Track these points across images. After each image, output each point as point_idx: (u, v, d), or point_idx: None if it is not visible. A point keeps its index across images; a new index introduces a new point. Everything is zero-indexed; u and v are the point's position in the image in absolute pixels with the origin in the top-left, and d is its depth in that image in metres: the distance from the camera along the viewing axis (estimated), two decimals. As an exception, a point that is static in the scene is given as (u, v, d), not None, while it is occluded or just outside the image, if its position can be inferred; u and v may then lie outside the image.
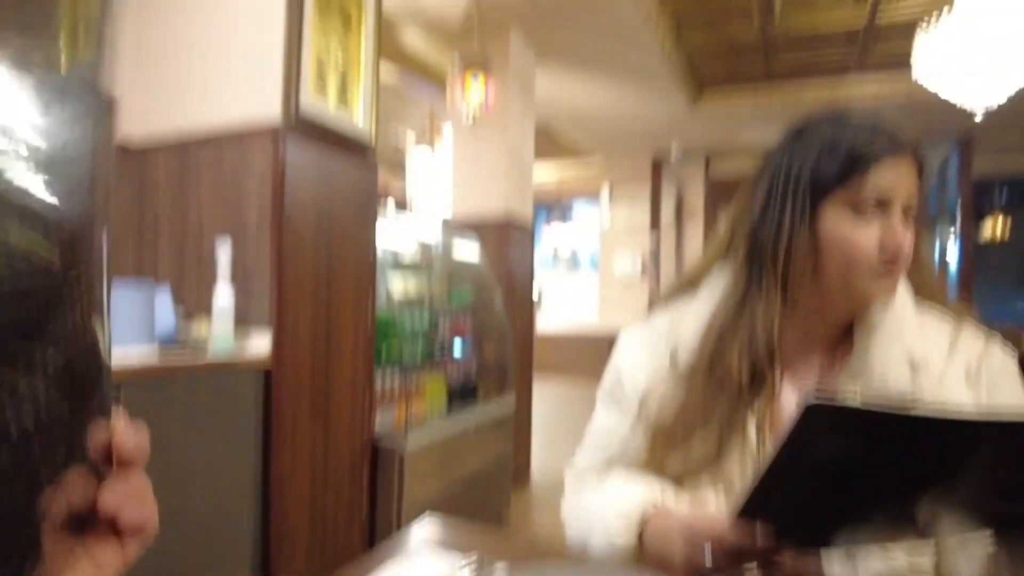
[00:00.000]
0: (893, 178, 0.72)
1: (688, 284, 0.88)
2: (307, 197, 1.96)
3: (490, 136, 3.78)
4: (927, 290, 0.80)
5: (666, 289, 0.94)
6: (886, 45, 4.60)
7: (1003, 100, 2.97)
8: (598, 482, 0.83)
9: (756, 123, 6.24)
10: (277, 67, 1.90)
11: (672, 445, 0.76)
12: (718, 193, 7.31)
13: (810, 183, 0.74)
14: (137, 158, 2.11)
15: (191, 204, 2.00)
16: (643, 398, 0.82)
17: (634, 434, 0.81)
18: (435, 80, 4.52)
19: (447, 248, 3.14)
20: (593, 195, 8.64)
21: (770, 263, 0.76)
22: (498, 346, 3.32)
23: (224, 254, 1.77)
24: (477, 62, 3.19)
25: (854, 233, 0.72)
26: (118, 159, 2.08)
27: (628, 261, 8.08)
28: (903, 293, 0.77)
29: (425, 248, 2.95)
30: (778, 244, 0.75)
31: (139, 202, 2.11)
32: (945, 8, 2.84)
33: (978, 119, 3.20)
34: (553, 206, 8.90)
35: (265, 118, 1.90)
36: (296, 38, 1.92)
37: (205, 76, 2.03)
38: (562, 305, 8.71)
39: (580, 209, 9.03)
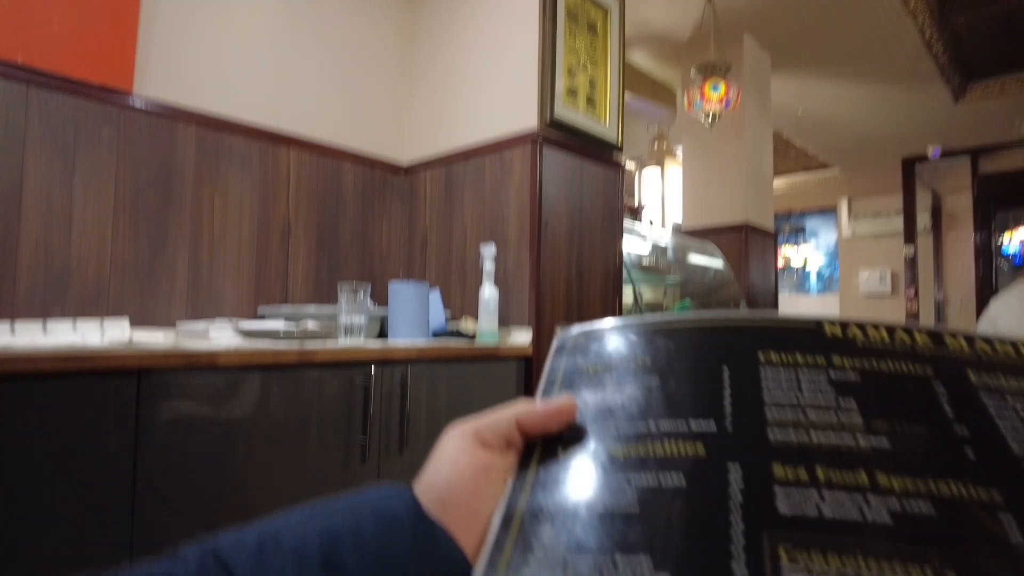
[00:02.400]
0: None
1: None
2: (560, 201, 2.02)
3: (726, 144, 3.64)
4: None
5: None
6: None
7: None
8: None
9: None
10: (533, 77, 2.00)
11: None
12: (992, 193, 6.24)
13: None
14: (408, 176, 2.35)
15: (455, 215, 2.17)
16: None
17: None
18: (661, 100, 4.49)
19: (683, 254, 3.05)
20: (827, 209, 7.94)
21: None
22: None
23: (489, 257, 1.88)
24: (717, 69, 3.10)
25: None
26: (391, 177, 2.34)
27: (875, 277, 7.26)
28: None
29: (662, 254, 2.89)
30: None
31: (410, 216, 2.34)
32: None
33: None
34: (781, 223, 8.31)
35: (522, 127, 2.01)
36: (550, 49, 2.02)
37: (467, 97, 2.21)
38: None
39: (813, 225, 8.33)
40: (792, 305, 7.96)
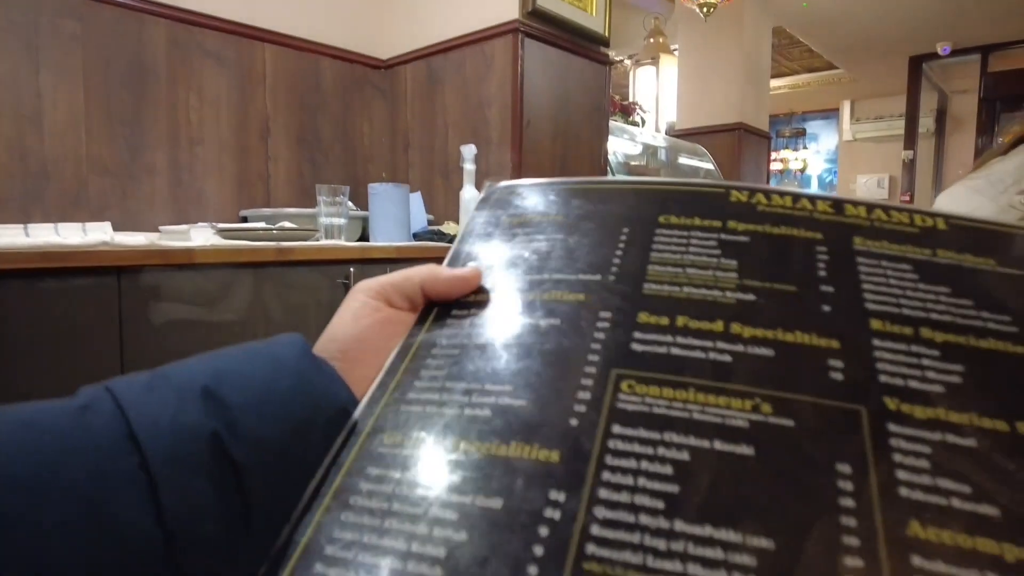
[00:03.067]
0: None
1: None
2: (544, 98, 1.97)
3: (724, 39, 3.50)
4: None
5: (1004, 139, 0.78)
6: None
7: None
8: None
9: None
10: (514, -34, 1.91)
11: None
12: (999, 93, 6.05)
13: None
14: (388, 72, 2.28)
15: (437, 113, 2.13)
16: None
17: None
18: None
19: (673, 156, 3.00)
20: (829, 112, 7.75)
21: None
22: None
23: (469, 158, 1.85)
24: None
25: None
26: (371, 74, 2.27)
27: (872, 183, 7.19)
28: None
29: (652, 155, 2.85)
30: None
31: (391, 114, 2.29)
32: None
33: None
34: (782, 126, 8.13)
35: (503, 18, 1.92)
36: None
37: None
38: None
39: (814, 128, 8.15)
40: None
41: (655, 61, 4.21)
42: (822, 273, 0.30)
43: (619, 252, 0.33)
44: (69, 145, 1.62)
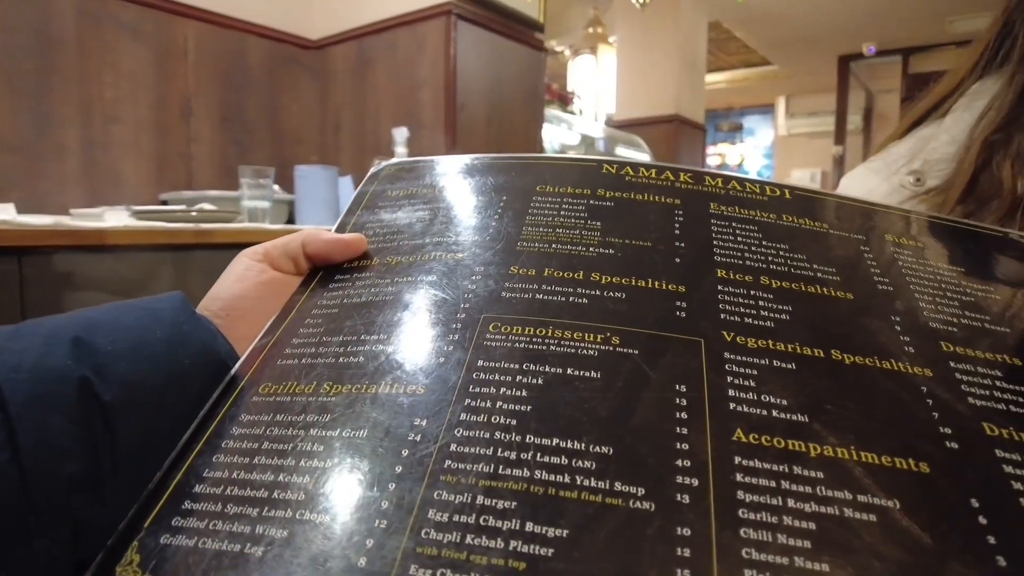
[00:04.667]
0: None
1: (929, 110, 0.75)
2: (478, 82, 1.96)
3: (661, 31, 3.55)
4: None
5: (901, 122, 0.81)
6: None
7: None
8: None
9: (969, 11, 5.34)
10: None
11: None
12: (917, 93, 6.37)
13: None
14: (318, 52, 2.22)
15: (368, 95, 2.08)
16: None
17: None
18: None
19: (611, 146, 3.03)
20: (766, 107, 7.97)
21: None
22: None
23: (401, 142, 1.82)
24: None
25: None
26: (301, 54, 2.20)
27: (806, 177, 7.44)
28: None
29: (590, 145, 2.87)
30: None
31: (321, 95, 2.23)
32: None
33: None
34: (720, 120, 8.32)
35: (436, -1, 1.90)
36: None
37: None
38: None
39: (751, 123, 8.38)
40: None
41: (594, 51, 4.23)
42: (677, 232, 0.34)
43: (496, 216, 0.36)
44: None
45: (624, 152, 3.08)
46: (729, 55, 6.75)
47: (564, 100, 3.24)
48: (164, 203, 1.82)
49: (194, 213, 1.47)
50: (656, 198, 0.36)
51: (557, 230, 0.34)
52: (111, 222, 1.42)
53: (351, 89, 2.13)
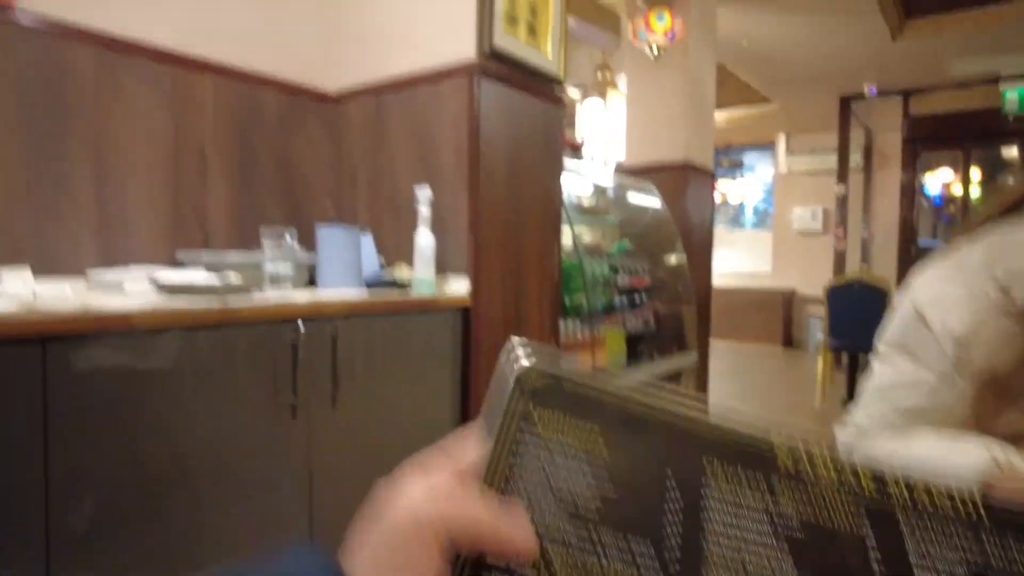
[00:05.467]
0: None
1: (1009, 209, 0.73)
2: (498, 139, 1.94)
3: (670, 76, 3.57)
4: None
5: (974, 217, 0.78)
6: None
7: None
8: (895, 440, 0.71)
9: (968, 54, 5.42)
10: (470, 5, 1.87)
11: (1008, 398, 0.63)
12: (919, 134, 6.46)
13: None
14: (336, 106, 2.21)
15: (387, 150, 2.06)
16: (962, 342, 0.68)
17: (947, 385, 0.68)
18: (605, 25, 4.35)
19: (622, 194, 3.02)
20: (765, 145, 8.03)
21: None
22: (676, 297, 3.18)
23: (425, 202, 1.79)
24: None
25: None
26: (318, 107, 2.19)
27: (807, 215, 7.48)
28: None
29: (602, 194, 2.86)
30: None
31: (337, 149, 2.21)
32: None
33: None
34: (720, 157, 8.38)
35: (459, 56, 1.88)
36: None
37: (398, 19, 2.05)
38: (728, 259, 8.23)
39: (751, 159, 8.43)
40: (726, 241, 8.11)
41: (602, 95, 4.25)
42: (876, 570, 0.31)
43: (670, 513, 0.33)
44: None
45: (636, 197, 3.07)
46: (728, 92, 6.81)
47: (574, 147, 3.24)
48: (180, 263, 1.78)
49: (217, 286, 1.43)
50: (844, 523, 0.33)
51: (744, 555, 0.32)
52: (133, 294, 1.38)
53: (369, 143, 2.11)
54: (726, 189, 8.44)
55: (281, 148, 2.09)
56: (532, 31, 2.04)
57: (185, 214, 1.86)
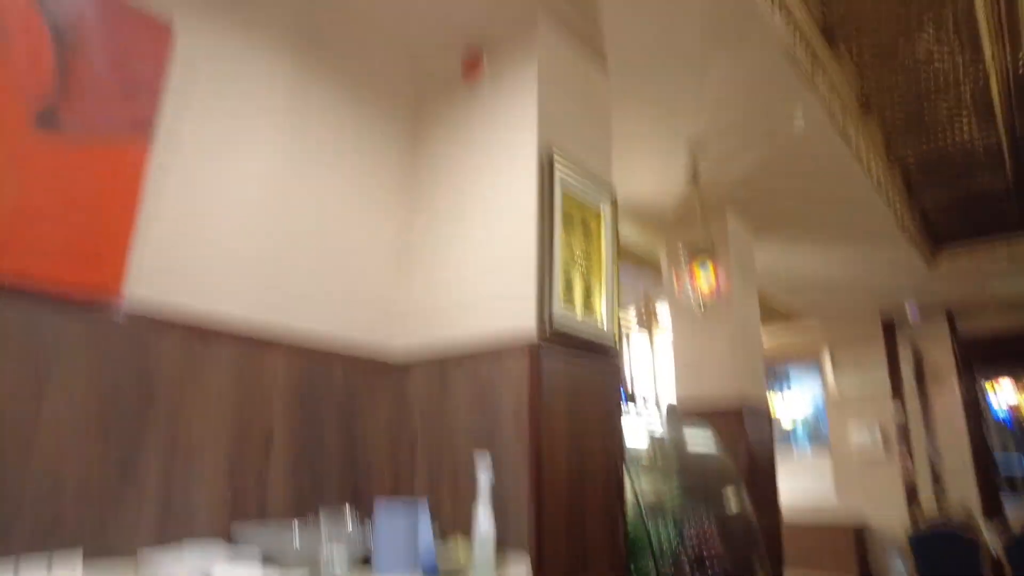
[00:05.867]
0: None
1: None
2: (558, 408, 1.94)
3: (715, 321, 3.65)
4: None
5: None
6: None
7: None
8: None
9: (1009, 275, 5.50)
10: (531, 283, 1.98)
11: None
12: (972, 352, 6.36)
13: None
14: (398, 374, 2.27)
15: (447, 419, 2.07)
16: None
17: None
18: (646, 265, 4.59)
19: (679, 440, 2.94)
20: (810, 361, 7.95)
21: None
22: (745, 547, 2.94)
23: (484, 473, 1.75)
24: (704, 249, 3.17)
25: None
26: (380, 377, 2.25)
27: (865, 433, 7.14)
28: None
29: (658, 444, 2.78)
30: None
31: (397, 416, 2.23)
32: None
33: None
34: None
35: (520, 331, 1.96)
36: (547, 255, 2.02)
37: (463, 293, 2.18)
38: (787, 487, 7.71)
39: (796, 374, 8.30)
40: (787, 470, 7.68)
41: (647, 328, 4.36)
42: None
43: None
44: (53, 469, 1.50)
45: (694, 445, 2.98)
46: (765, 309, 6.93)
47: (629, 398, 3.24)
48: (235, 541, 1.73)
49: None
50: None
51: None
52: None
53: (430, 412, 2.14)
54: (775, 407, 8.22)
55: (344, 419, 2.12)
56: (588, 305, 2.14)
57: (246, 488, 1.84)
